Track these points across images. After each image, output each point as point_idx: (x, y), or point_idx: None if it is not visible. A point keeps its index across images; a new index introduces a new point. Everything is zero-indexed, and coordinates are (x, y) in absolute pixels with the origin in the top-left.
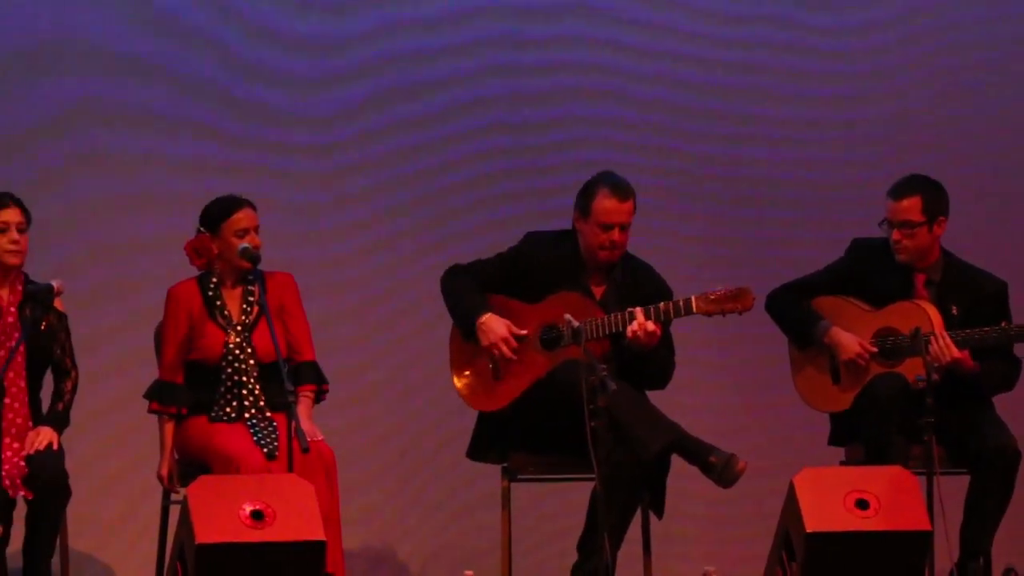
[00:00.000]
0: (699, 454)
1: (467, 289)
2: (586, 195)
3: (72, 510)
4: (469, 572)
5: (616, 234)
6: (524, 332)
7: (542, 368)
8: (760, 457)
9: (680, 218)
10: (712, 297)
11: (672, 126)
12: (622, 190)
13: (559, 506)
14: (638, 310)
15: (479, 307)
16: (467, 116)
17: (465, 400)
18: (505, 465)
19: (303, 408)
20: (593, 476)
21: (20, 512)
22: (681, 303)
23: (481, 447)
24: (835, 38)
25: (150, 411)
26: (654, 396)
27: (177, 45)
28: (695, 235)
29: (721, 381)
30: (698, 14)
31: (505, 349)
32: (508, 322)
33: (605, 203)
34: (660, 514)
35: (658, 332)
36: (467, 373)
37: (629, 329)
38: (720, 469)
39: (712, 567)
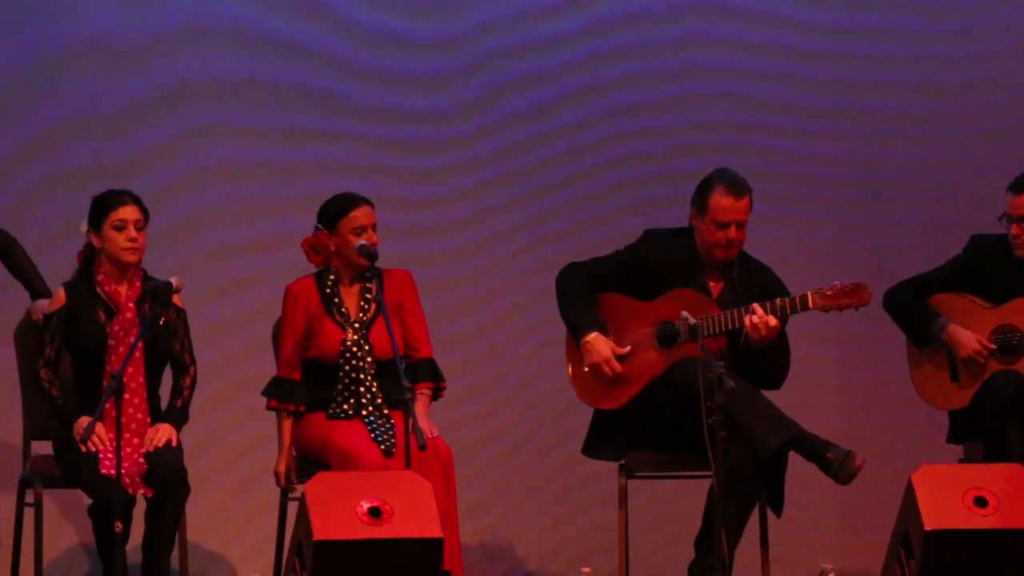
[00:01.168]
0: (816, 451)
1: (578, 299)
2: (702, 192)
3: (191, 506)
4: (586, 569)
5: (732, 231)
6: (626, 350)
7: (659, 366)
8: (878, 454)
9: (799, 217)
10: (828, 293)
11: (790, 126)
12: (738, 187)
13: (676, 503)
14: (756, 305)
15: (586, 323)
16: (583, 109)
17: (581, 398)
18: (622, 462)
19: (420, 405)
20: (710, 473)
21: (139, 509)
22: (797, 299)
23: (597, 444)
24: (956, 18)
25: (268, 408)
26: (771, 394)
27: (288, 49)
28: (814, 233)
29: (838, 378)
30: (817, 7)
31: (607, 370)
32: (611, 343)
33: (721, 201)
34: (778, 511)
35: (778, 327)
36: (584, 371)
37: (747, 320)
38: (838, 466)
39: (830, 564)
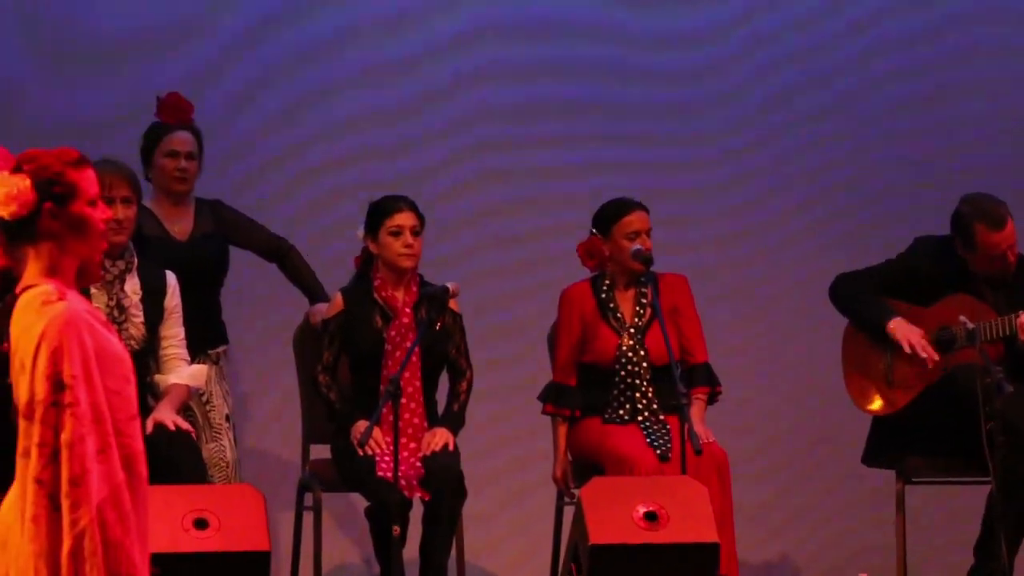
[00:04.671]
0: None
1: (868, 299)
2: (964, 233)
3: (467, 510)
4: (864, 575)
5: (1009, 256)
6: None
7: (936, 371)
8: None
9: None
10: None
11: None
12: (998, 219)
13: (955, 510)
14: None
15: (887, 312)
16: (858, 117)
17: (858, 404)
18: (900, 468)
19: (696, 410)
20: (989, 479)
21: (416, 513)
22: None
23: (876, 452)
24: None
25: (544, 413)
26: None
27: (537, 50)
28: None
29: None
30: None
31: (922, 354)
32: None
33: (988, 239)
34: None
35: None
36: (860, 377)
37: (1020, 321)
38: None
39: None
